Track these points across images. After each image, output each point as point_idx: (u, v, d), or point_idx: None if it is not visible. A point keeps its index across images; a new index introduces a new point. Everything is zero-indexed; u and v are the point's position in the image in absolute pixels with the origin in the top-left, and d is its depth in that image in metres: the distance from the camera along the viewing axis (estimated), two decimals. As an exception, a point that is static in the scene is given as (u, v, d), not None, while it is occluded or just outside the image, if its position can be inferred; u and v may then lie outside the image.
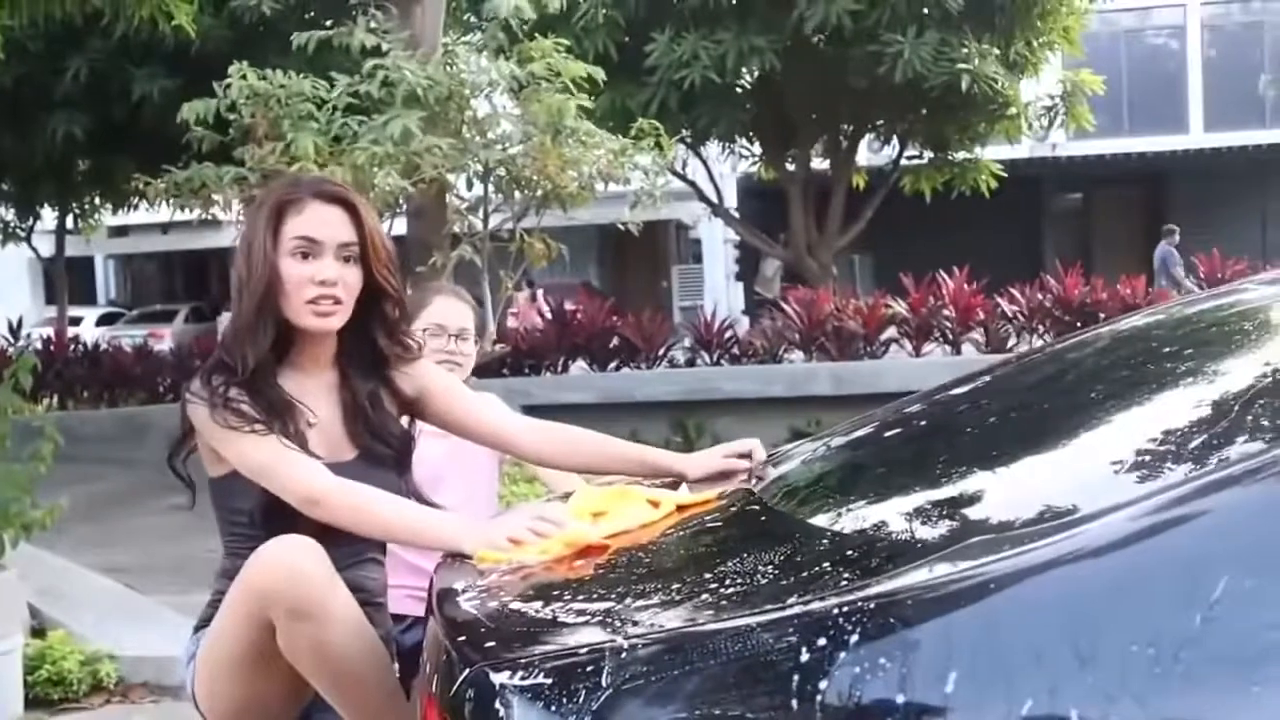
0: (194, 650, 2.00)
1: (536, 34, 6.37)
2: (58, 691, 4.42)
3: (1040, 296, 10.69)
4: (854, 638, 1.12)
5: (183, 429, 2.02)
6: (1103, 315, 10.14)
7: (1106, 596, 1.14)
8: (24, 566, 4.98)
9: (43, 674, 4.43)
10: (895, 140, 13.96)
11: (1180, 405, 1.60)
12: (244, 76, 5.83)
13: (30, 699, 4.35)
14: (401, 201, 5.98)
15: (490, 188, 6.27)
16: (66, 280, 17.05)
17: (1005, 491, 1.53)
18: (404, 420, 2.15)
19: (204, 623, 2.02)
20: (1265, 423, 1.38)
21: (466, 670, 1.25)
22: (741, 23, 11.60)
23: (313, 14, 11.40)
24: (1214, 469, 1.30)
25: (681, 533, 1.61)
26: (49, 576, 5.59)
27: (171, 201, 6.80)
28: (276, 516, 1.89)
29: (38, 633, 4.80)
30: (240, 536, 1.99)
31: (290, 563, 1.78)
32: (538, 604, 1.40)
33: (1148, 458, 1.42)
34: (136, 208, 13.84)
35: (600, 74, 6.44)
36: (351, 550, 1.93)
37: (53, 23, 9.48)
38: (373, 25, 6.16)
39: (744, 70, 12.15)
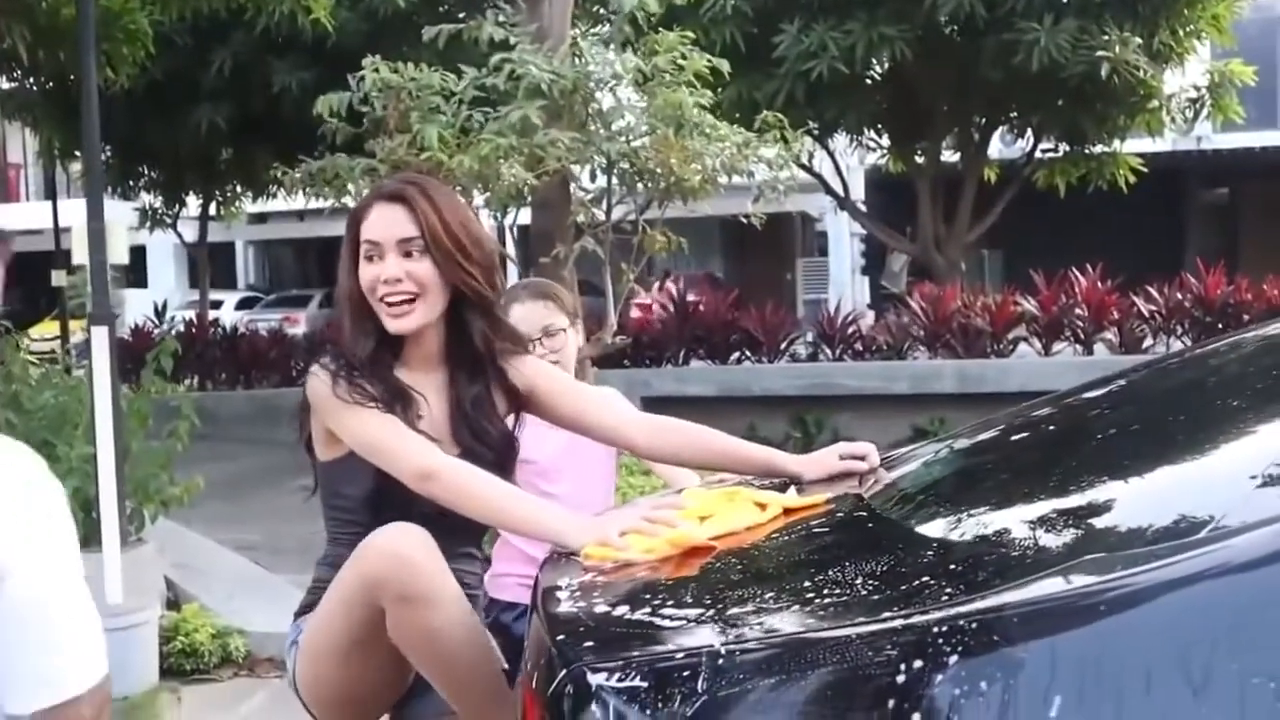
0: (295, 636, 2.05)
1: (662, 27, 6.37)
2: (190, 663, 4.61)
3: (1179, 296, 10.29)
4: (954, 655, 1.10)
5: (302, 405, 2.07)
6: (1246, 317, 9.72)
7: (1225, 624, 1.09)
8: (162, 541, 5.21)
9: (177, 645, 4.62)
10: (1029, 133, 13.58)
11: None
12: (377, 70, 5.95)
13: (164, 668, 4.54)
14: (527, 193, 6.04)
15: (614, 180, 6.30)
16: (209, 265, 17.72)
17: (1126, 506, 1.48)
18: (510, 420, 2.17)
19: (305, 609, 2.07)
20: None
21: (565, 669, 1.26)
22: (871, 13, 11.41)
23: (446, 7, 11.62)
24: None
25: (786, 538, 1.60)
26: (185, 551, 5.83)
27: (307, 190, 7.00)
28: (385, 504, 1.93)
29: (173, 605, 5.01)
30: (344, 522, 2.04)
31: (402, 548, 1.81)
32: (639, 605, 1.41)
33: (1269, 482, 1.35)
34: (275, 196, 14.30)
35: (725, 66, 6.40)
36: (451, 542, 1.95)
37: (200, 17, 9.86)
38: (501, 19, 6.23)
39: (873, 61, 11.95)
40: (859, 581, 1.32)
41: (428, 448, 1.93)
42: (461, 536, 2.02)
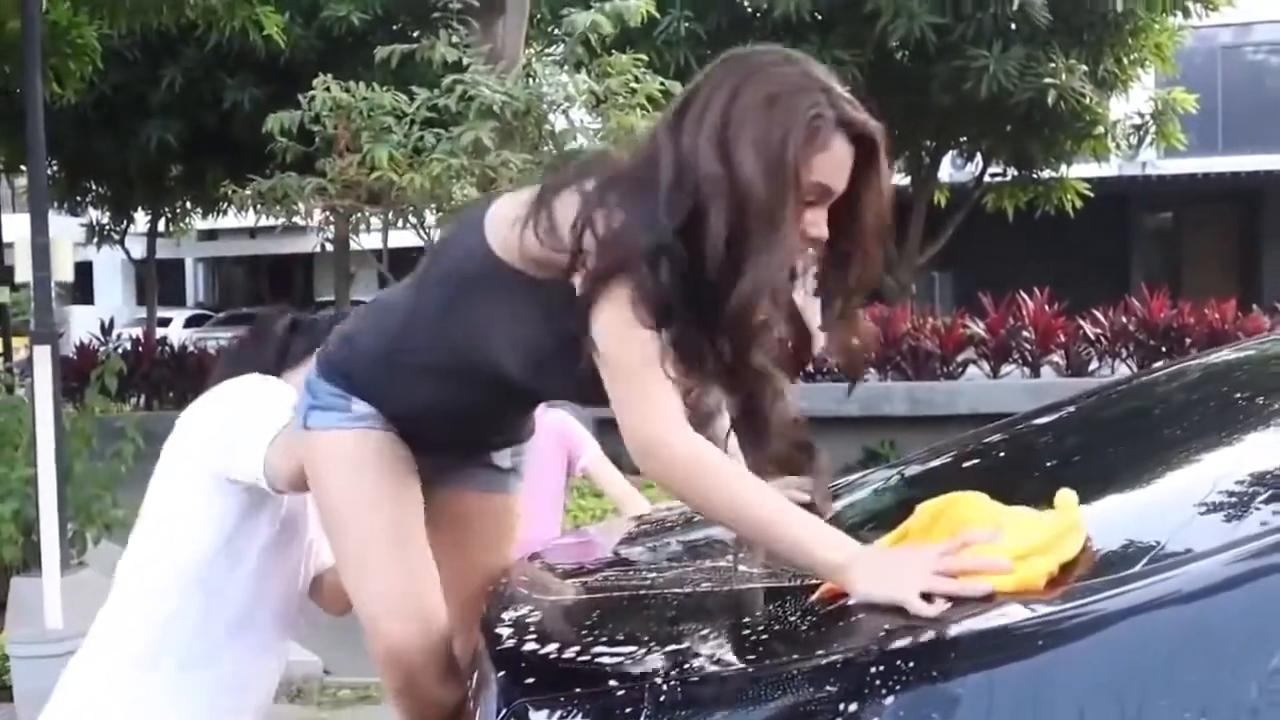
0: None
1: (615, 49, 6.40)
2: (131, 689, 4.51)
3: (1124, 319, 10.46)
4: (895, 689, 1.10)
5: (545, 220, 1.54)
6: (1189, 340, 9.89)
7: (1155, 657, 1.10)
8: (105, 565, 5.12)
9: (117, 671, 4.53)
10: (978, 157, 13.78)
11: (1238, 458, 1.55)
12: (328, 89, 5.94)
13: (105, 695, 4.44)
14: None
15: (566, 201, 6.31)
16: (157, 282, 17.52)
17: None
18: None
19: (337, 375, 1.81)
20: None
21: (507, 705, 1.25)
22: (824, 36, 11.54)
23: (400, 25, 11.61)
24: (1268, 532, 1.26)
25: (727, 571, 1.59)
26: (128, 574, 5.71)
27: (258, 208, 6.96)
28: (538, 375, 1.70)
29: (114, 630, 4.91)
30: (450, 371, 1.77)
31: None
32: (583, 639, 1.40)
33: (1210, 511, 1.37)
34: (225, 213, 14.20)
35: (678, 89, 6.45)
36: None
37: (149, 33, 9.77)
38: (454, 40, 6.23)
39: (826, 84, 12.08)
40: (800, 615, 1.33)
41: (682, 415, 1.49)
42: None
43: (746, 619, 1.34)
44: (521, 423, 1.93)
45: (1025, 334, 10.30)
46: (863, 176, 1.56)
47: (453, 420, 1.79)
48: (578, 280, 1.49)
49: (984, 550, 1.25)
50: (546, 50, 9.59)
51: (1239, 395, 1.98)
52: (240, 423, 1.98)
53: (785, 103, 1.50)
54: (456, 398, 1.74)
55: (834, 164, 1.53)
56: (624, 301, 1.46)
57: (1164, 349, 9.95)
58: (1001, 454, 2.08)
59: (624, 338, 1.47)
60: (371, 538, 1.73)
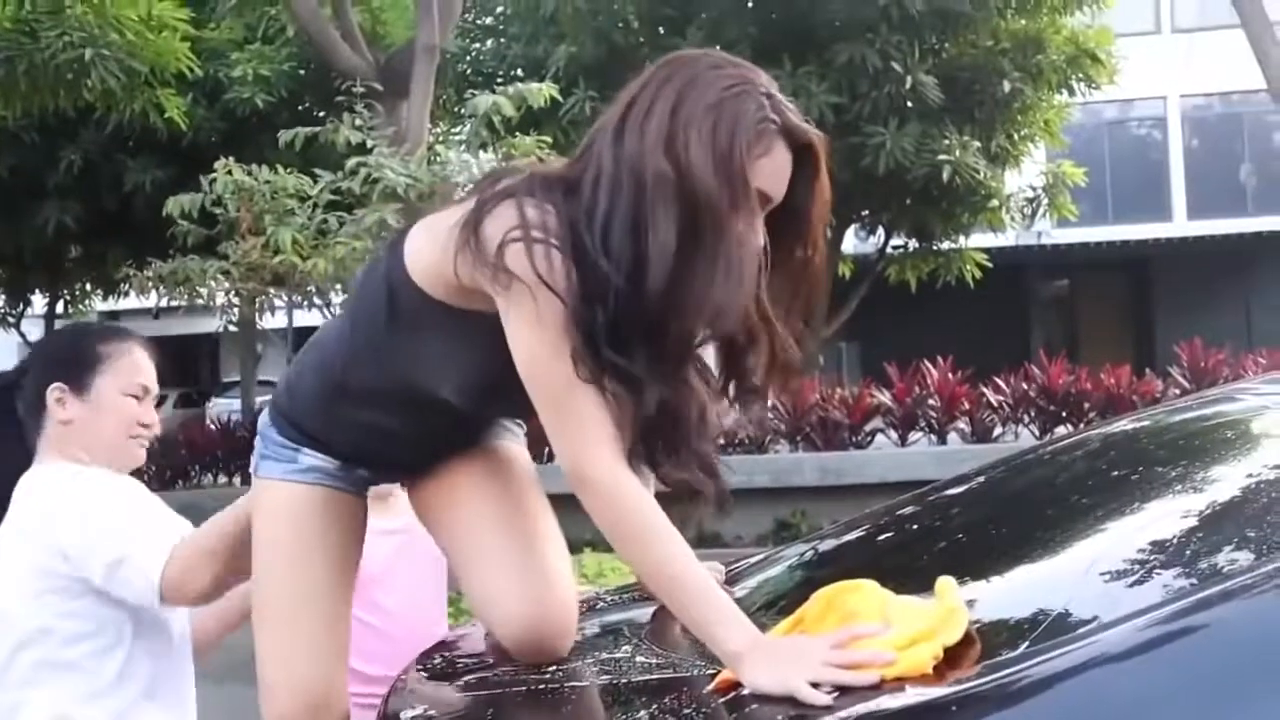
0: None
1: (521, 130, 6.47)
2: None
3: (1025, 386, 10.71)
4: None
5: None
6: (1087, 405, 10.16)
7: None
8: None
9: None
10: (880, 230, 14.11)
11: (1120, 534, 1.60)
12: (229, 171, 5.90)
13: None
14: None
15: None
16: (55, 365, 17.04)
17: (985, 607, 1.50)
18: None
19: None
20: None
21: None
22: (727, 116, 11.78)
23: (305, 106, 11.60)
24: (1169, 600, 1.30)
25: (625, 662, 1.59)
26: None
27: (160, 290, 6.85)
28: (476, 402, 1.70)
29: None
30: (364, 396, 1.76)
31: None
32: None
33: (1091, 590, 1.41)
34: (127, 294, 13.92)
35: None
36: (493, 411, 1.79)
37: (47, 114, 9.63)
38: (358, 122, 6.24)
39: (730, 162, 12.31)
40: (694, 708, 1.33)
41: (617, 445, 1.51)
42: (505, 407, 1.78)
43: (643, 714, 1.34)
44: (485, 430, 1.87)
45: (931, 402, 10.48)
46: (805, 183, 1.55)
47: (413, 444, 1.75)
48: (501, 301, 1.46)
49: (872, 643, 1.28)
50: (451, 131, 9.66)
51: (1132, 469, 2.04)
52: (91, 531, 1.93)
53: (731, 105, 1.46)
54: (412, 426, 1.71)
55: (775, 170, 1.50)
56: (549, 324, 1.44)
57: (1064, 414, 10.21)
58: (906, 528, 2.12)
59: (550, 362, 1.45)
60: (288, 601, 1.71)
